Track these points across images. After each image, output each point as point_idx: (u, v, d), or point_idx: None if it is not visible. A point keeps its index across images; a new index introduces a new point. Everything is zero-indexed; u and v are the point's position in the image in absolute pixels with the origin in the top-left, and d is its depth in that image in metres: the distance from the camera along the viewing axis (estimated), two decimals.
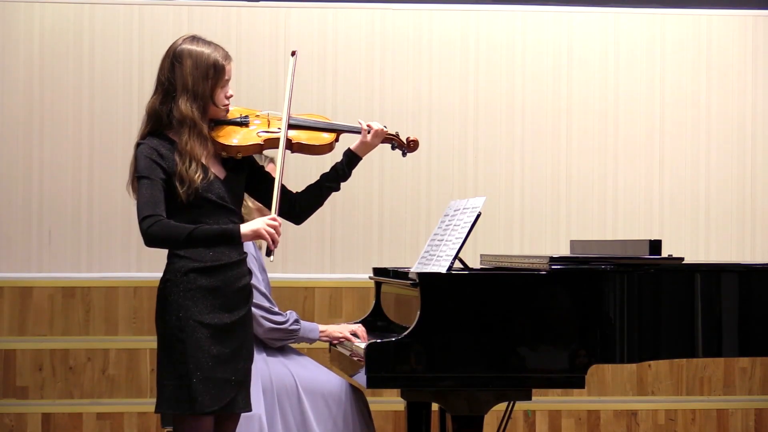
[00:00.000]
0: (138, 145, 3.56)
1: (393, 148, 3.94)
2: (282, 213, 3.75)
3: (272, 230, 3.49)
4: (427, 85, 6.01)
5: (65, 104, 5.85)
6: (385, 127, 3.84)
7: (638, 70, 6.09)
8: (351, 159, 3.79)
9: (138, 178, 3.51)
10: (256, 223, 3.51)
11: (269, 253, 3.51)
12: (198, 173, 3.50)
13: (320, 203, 3.80)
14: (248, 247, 4.22)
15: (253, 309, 4.14)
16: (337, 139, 3.79)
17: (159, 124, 3.57)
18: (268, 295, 4.35)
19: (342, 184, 3.82)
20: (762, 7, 6.14)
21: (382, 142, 3.89)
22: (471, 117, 6.02)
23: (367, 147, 3.80)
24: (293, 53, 3.78)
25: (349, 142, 3.85)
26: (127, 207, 5.74)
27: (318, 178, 3.81)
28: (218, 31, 5.78)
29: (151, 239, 3.46)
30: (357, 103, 5.96)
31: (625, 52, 6.09)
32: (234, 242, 3.53)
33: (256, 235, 3.50)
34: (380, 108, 5.97)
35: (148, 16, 5.89)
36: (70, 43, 5.86)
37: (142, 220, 3.46)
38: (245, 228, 3.51)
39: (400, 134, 3.93)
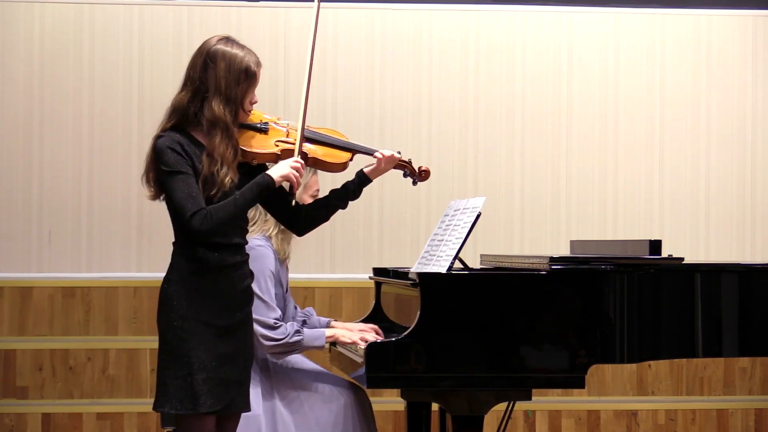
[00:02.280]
0: (159, 137, 3.53)
1: (405, 175, 3.95)
2: (285, 223, 3.75)
3: (297, 173, 3.56)
4: (427, 85, 6.01)
5: (65, 104, 5.85)
6: (399, 153, 3.85)
7: (638, 70, 6.09)
8: (362, 180, 3.79)
9: (169, 174, 3.48)
10: (283, 167, 3.55)
11: (291, 195, 3.58)
12: (228, 177, 3.49)
13: (326, 219, 3.80)
14: (268, 261, 4.21)
15: (255, 326, 4.12)
16: (351, 159, 3.78)
17: (184, 120, 3.55)
18: (274, 305, 4.26)
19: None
20: (762, 7, 6.15)
21: (394, 168, 3.90)
22: (471, 117, 6.02)
23: (379, 172, 3.82)
24: None
25: (362, 160, 3.84)
26: (127, 207, 5.76)
27: (327, 193, 3.82)
28: (218, 31, 5.74)
29: (206, 233, 3.47)
30: (357, 104, 5.96)
31: (625, 52, 6.09)
32: (270, 191, 3.56)
33: (285, 179, 3.55)
34: (380, 108, 5.97)
35: (148, 16, 5.89)
36: (70, 43, 5.87)
37: (190, 218, 3.45)
38: (275, 174, 3.54)
39: (413, 162, 3.93)
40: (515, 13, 6.06)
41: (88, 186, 5.85)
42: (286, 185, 3.60)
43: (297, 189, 3.58)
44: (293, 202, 3.61)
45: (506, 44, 6.05)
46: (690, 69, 6.11)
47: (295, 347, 4.24)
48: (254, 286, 4.04)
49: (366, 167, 3.80)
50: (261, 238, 4.28)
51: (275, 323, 4.19)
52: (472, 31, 6.04)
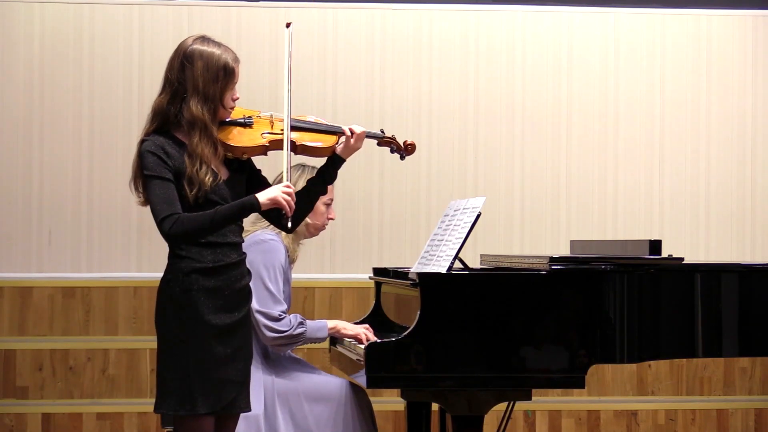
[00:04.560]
0: (143, 141, 3.55)
1: (392, 151, 3.99)
2: (272, 220, 3.76)
3: (288, 197, 3.53)
4: (427, 85, 6.01)
5: (65, 104, 5.85)
6: (381, 130, 3.88)
7: (638, 70, 6.09)
8: (335, 161, 3.79)
9: (148, 177, 3.50)
10: (273, 191, 3.54)
11: (286, 220, 3.55)
12: (208, 176, 3.50)
13: (310, 208, 3.81)
14: (280, 255, 4.22)
15: (258, 317, 4.15)
16: (338, 142, 3.80)
17: (166, 122, 3.56)
18: (281, 299, 4.27)
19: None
20: (762, 7, 6.15)
21: (380, 145, 3.95)
22: (471, 117, 6.02)
23: (350, 150, 3.80)
24: (287, 25, 3.77)
25: None
26: (127, 207, 5.75)
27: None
28: (218, 31, 5.74)
29: (175, 238, 3.47)
30: (357, 103, 5.96)
31: (625, 52, 6.09)
32: (254, 212, 3.55)
33: (274, 203, 3.52)
34: (380, 108, 5.97)
35: (148, 16, 5.89)
36: (70, 43, 5.86)
37: (161, 222, 3.45)
38: (263, 197, 3.52)
39: (397, 137, 3.96)
40: (515, 13, 6.06)
41: (88, 186, 5.85)
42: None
43: (290, 213, 3.55)
44: (290, 225, 3.60)
45: (506, 44, 6.05)
46: (690, 69, 6.11)
47: (298, 339, 4.27)
48: (264, 277, 4.10)
49: (337, 148, 3.80)
50: (273, 233, 4.30)
51: (280, 315, 4.21)
52: (472, 31, 6.04)
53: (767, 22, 6.14)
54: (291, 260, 4.39)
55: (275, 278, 4.22)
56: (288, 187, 3.55)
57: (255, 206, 3.52)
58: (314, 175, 3.82)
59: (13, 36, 5.84)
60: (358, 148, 3.82)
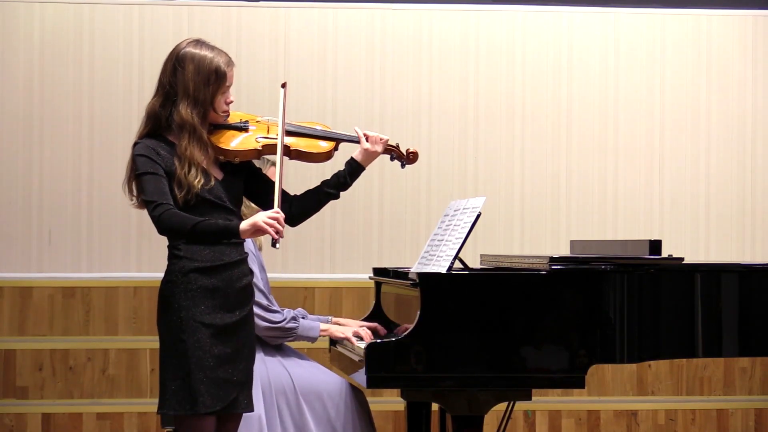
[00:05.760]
0: (135, 144, 3.58)
1: (392, 158, 3.96)
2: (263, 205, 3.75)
3: (272, 221, 3.46)
4: (427, 85, 6.01)
5: (65, 104, 5.85)
6: (383, 137, 3.86)
7: (638, 70, 6.09)
8: (354, 168, 3.77)
9: (140, 175, 3.52)
10: (255, 217, 3.49)
11: (274, 243, 3.49)
12: (198, 178, 3.50)
13: (317, 209, 3.78)
14: (248, 245, 4.22)
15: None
16: (336, 148, 3.78)
17: (158, 125, 3.58)
18: (267, 294, 4.34)
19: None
20: (762, 7, 6.14)
21: (382, 152, 3.93)
22: (471, 117, 6.02)
23: (369, 155, 3.78)
24: (283, 85, 3.77)
25: (349, 151, 3.84)
26: (127, 207, 5.67)
27: (318, 183, 3.80)
28: (218, 31, 5.79)
29: (163, 226, 3.48)
30: (357, 104, 5.96)
31: (625, 52, 6.09)
32: (234, 239, 3.52)
33: (256, 229, 3.47)
34: (380, 108, 5.97)
35: (148, 16, 5.89)
36: (70, 43, 5.86)
37: (153, 209, 3.47)
38: (244, 224, 3.49)
39: (400, 146, 3.95)
40: (515, 13, 6.06)
41: (88, 186, 5.85)
42: (268, 237, 3.51)
43: (277, 237, 3.46)
44: (277, 246, 3.55)
45: (506, 44, 6.05)
46: (690, 69, 6.11)
47: (290, 333, 4.35)
48: None
49: (356, 153, 3.78)
50: None
51: (269, 305, 4.26)
52: (472, 31, 6.04)
53: (767, 22, 6.14)
54: (259, 247, 4.42)
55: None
56: (276, 212, 3.49)
57: (234, 233, 3.48)
58: (329, 177, 3.80)
59: (13, 36, 5.84)
60: (378, 153, 3.79)
